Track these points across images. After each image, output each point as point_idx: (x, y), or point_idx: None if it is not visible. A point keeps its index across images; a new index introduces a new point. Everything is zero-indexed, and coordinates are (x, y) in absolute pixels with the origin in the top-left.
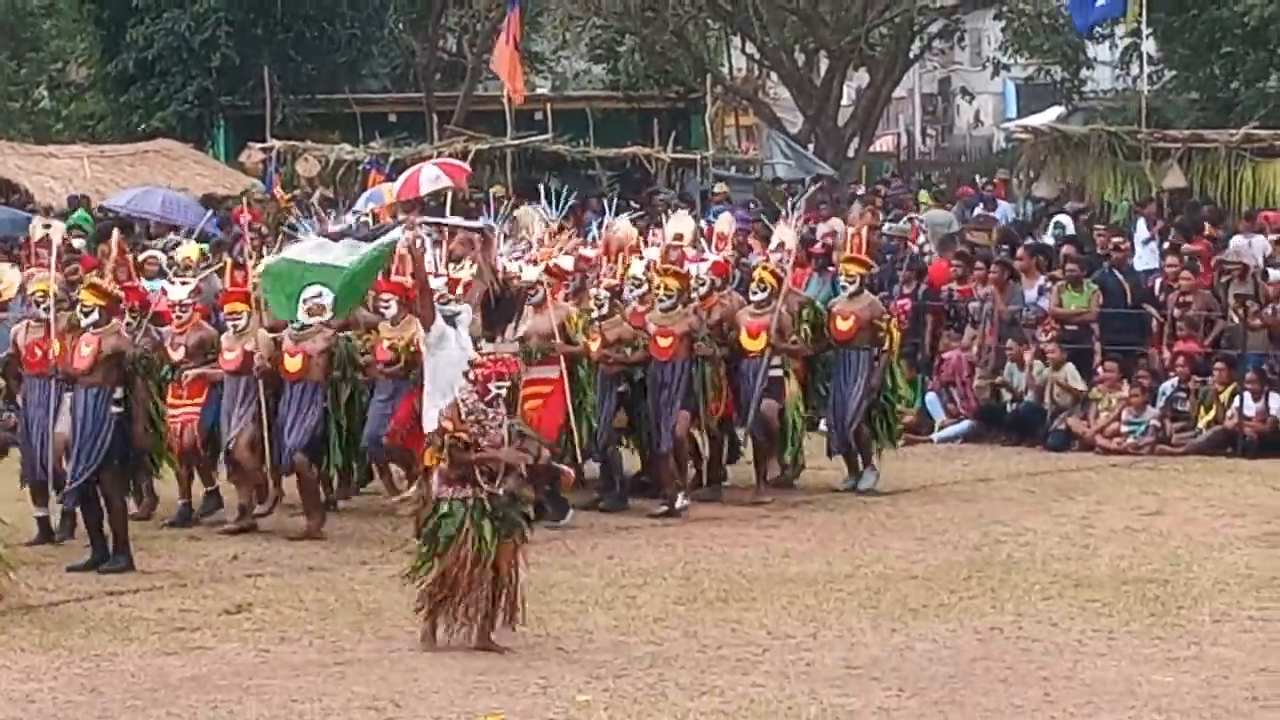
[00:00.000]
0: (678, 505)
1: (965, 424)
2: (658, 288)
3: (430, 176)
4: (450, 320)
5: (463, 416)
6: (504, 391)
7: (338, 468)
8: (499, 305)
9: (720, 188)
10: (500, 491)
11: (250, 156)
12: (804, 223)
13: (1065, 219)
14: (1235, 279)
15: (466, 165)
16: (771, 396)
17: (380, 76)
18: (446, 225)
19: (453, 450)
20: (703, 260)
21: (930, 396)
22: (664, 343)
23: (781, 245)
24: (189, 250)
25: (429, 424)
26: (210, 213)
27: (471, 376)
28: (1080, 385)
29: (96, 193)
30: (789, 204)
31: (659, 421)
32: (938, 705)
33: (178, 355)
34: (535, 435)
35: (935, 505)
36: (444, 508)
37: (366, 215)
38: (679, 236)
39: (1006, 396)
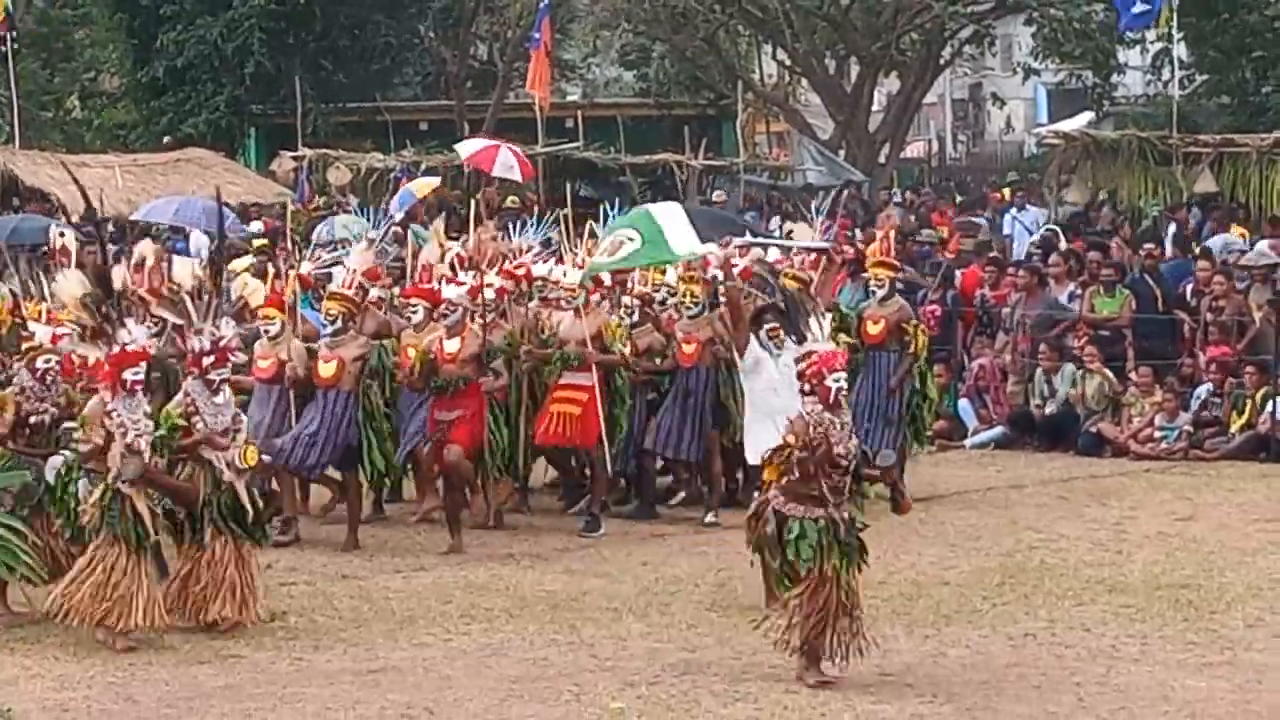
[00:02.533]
0: (707, 521)
1: (998, 430)
2: (684, 295)
3: (505, 163)
4: (765, 345)
5: (811, 429)
6: (844, 385)
7: (379, 472)
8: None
9: (718, 195)
10: (845, 514)
11: (281, 165)
12: (830, 229)
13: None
14: (1256, 283)
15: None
16: None
17: (411, 84)
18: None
19: (801, 466)
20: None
21: (963, 403)
22: (688, 349)
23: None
24: (240, 261)
25: (751, 453)
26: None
27: (805, 386)
28: (1115, 384)
29: (128, 202)
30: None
31: (681, 427)
32: (971, 712)
33: None
34: None
35: (968, 511)
36: (795, 528)
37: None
38: None
39: (1038, 401)
